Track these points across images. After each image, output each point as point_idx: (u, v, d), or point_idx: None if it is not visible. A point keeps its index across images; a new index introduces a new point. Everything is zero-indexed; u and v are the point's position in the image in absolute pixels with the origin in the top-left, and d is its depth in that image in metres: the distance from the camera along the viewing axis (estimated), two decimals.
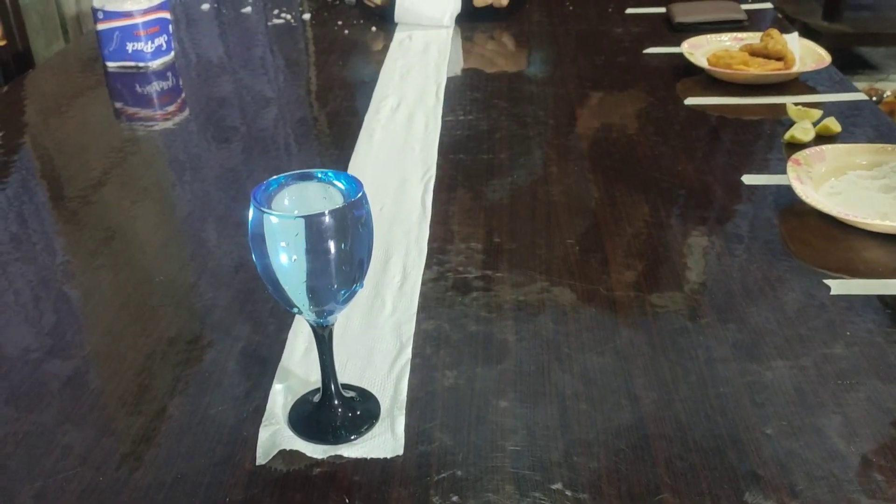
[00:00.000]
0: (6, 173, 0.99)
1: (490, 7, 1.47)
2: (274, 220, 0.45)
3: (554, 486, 0.50)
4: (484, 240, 0.78)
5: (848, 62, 2.49)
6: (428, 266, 0.73)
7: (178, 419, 0.57)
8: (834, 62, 1.18)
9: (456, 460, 0.52)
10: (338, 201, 0.46)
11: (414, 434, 0.55)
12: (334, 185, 0.48)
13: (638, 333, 0.64)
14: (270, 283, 0.48)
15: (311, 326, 0.52)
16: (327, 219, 0.45)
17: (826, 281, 0.70)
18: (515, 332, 0.65)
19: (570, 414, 0.56)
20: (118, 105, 1.24)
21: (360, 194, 0.47)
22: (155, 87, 1.29)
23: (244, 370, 0.61)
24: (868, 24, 2.38)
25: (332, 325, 0.52)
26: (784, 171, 0.85)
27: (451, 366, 0.61)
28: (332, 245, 0.46)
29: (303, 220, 0.45)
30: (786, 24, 1.42)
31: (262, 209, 0.45)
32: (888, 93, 2.08)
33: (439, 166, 0.93)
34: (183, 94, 1.27)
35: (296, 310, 0.50)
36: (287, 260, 0.46)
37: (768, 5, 1.50)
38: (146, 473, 0.52)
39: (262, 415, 0.56)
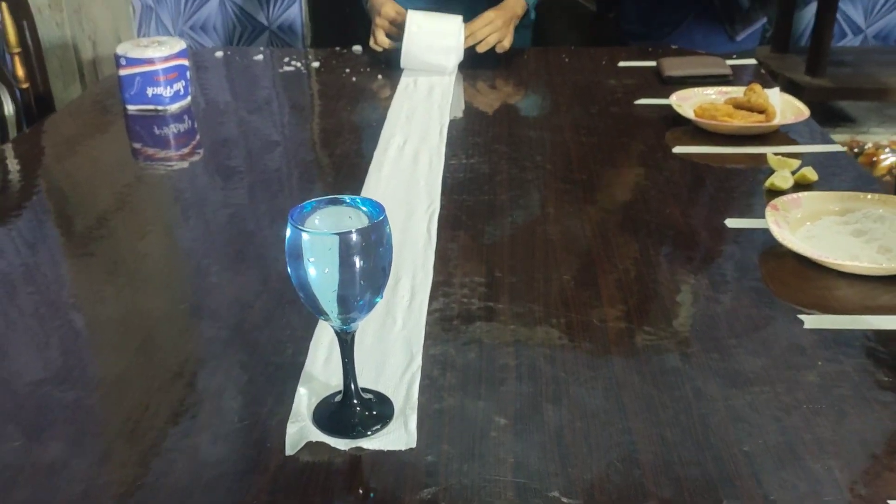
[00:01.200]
0: (22, 207, 1.05)
1: (492, 51, 1.55)
2: (310, 237, 0.52)
3: (551, 494, 0.56)
4: (485, 274, 0.84)
5: (830, 115, 2.59)
6: (434, 297, 0.79)
7: (178, 447, 0.60)
8: (816, 115, 1.25)
9: (462, 469, 0.58)
10: (364, 222, 0.54)
11: (424, 445, 0.60)
12: (360, 209, 0.56)
13: (629, 360, 0.70)
14: (304, 292, 0.55)
15: (336, 332, 0.59)
16: (356, 236, 0.53)
17: (800, 316, 0.76)
18: (515, 357, 0.70)
19: (566, 431, 0.62)
20: (136, 145, 1.31)
21: (382, 216, 0.54)
22: (172, 129, 1.36)
23: (243, 398, 0.65)
24: (849, 79, 2.49)
25: (355, 331, 0.59)
26: (764, 216, 0.92)
27: (457, 387, 0.67)
28: (358, 260, 0.53)
29: (336, 238, 0.52)
30: (767, 79, 1.51)
31: (300, 227, 0.52)
32: (868, 145, 2.17)
33: (444, 206, 0.99)
34: (197, 137, 1.34)
35: (324, 317, 0.57)
36: (319, 272, 0.53)
37: (752, 61, 1.59)
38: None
39: (258, 441, 0.60)
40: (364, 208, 0.55)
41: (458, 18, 1.52)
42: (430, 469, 0.58)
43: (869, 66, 2.60)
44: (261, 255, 0.91)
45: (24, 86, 1.56)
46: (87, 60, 2.06)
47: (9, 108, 1.53)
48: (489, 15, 1.56)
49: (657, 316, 0.77)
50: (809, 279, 0.83)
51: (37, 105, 1.59)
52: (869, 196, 0.95)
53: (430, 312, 0.77)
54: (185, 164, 1.23)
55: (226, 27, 2.83)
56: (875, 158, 2.12)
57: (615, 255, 0.88)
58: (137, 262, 0.92)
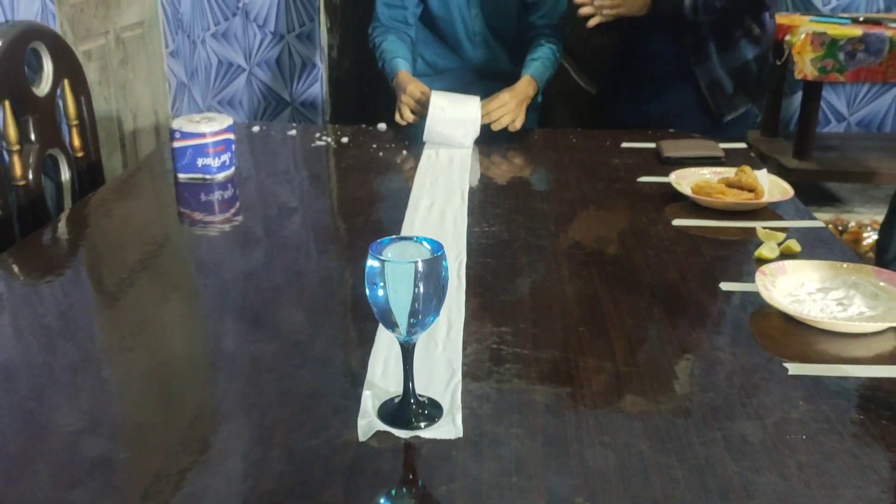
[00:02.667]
0: (66, 263, 1.19)
1: (505, 129, 1.71)
2: (391, 265, 0.67)
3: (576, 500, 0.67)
4: (511, 325, 0.96)
5: (816, 195, 2.76)
6: (469, 343, 0.91)
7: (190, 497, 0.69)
8: (804, 195, 1.39)
9: (502, 482, 0.69)
10: (427, 255, 0.69)
11: (470, 461, 0.71)
12: (423, 245, 0.71)
13: (637, 394, 0.82)
14: (380, 311, 0.70)
15: (400, 343, 0.74)
16: (424, 266, 0.68)
17: (785, 364, 0.88)
18: (542, 393, 0.82)
19: (588, 454, 0.73)
20: (185, 210, 1.45)
21: (441, 251, 0.69)
22: (217, 196, 1.50)
23: (247, 449, 0.74)
24: (834, 162, 2.67)
25: (415, 343, 0.74)
26: (754, 281, 1.04)
27: (494, 416, 0.78)
28: (424, 284, 0.68)
29: (412, 265, 0.67)
30: (756, 161, 1.66)
31: (382, 258, 0.67)
32: (852, 223, 2.32)
33: (471, 267, 1.12)
34: (238, 203, 1.48)
35: (394, 329, 0.71)
36: (394, 293, 0.68)
37: (742, 145, 1.75)
38: None
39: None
40: (426, 245, 0.71)
41: (476, 99, 1.69)
42: (470, 485, 0.69)
43: (852, 151, 2.79)
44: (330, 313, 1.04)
45: (80, 155, 1.71)
46: (129, 132, 2.23)
47: (66, 175, 1.68)
48: (504, 97, 1.72)
49: (660, 362, 0.89)
50: (793, 335, 0.96)
51: (88, 172, 1.73)
52: (845, 265, 1.08)
53: (465, 355, 0.89)
54: (229, 227, 1.36)
55: (251, 102, 3.02)
56: (859, 237, 2.27)
57: (623, 312, 1.01)
58: (214, 309, 1.05)
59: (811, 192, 2.75)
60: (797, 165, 2.57)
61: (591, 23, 1.74)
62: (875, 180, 2.60)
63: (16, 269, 1.15)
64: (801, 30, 2.59)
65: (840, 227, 2.31)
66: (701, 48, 1.81)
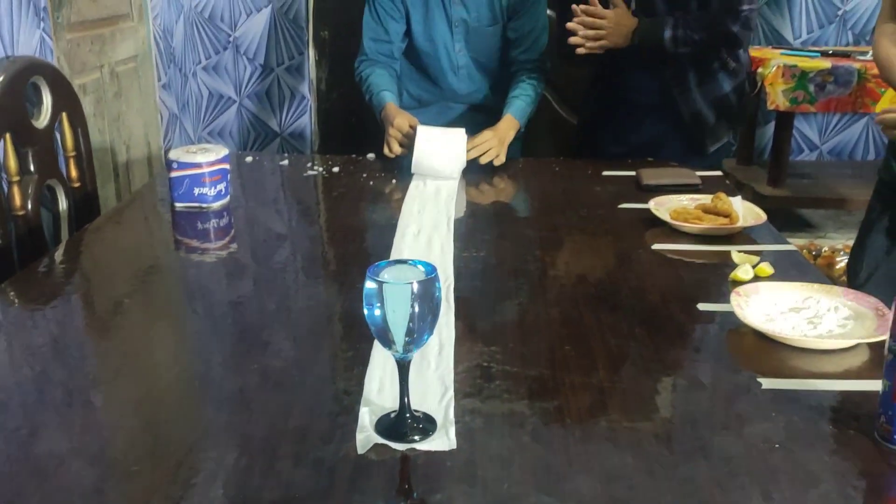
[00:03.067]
0: (60, 292, 1.22)
1: (490, 162, 1.77)
2: (389, 286, 0.72)
3: None
4: (500, 344, 1.01)
5: (790, 221, 2.84)
6: (460, 362, 0.96)
7: None
8: (779, 221, 1.46)
9: (495, 491, 0.73)
10: (422, 276, 0.74)
11: (463, 471, 0.76)
12: (418, 268, 0.75)
13: (620, 408, 0.87)
14: (378, 330, 0.74)
15: (397, 360, 0.78)
16: (419, 286, 0.72)
17: (758, 378, 0.94)
18: (530, 407, 0.87)
19: (575, 463, 0.78)
20: (181, 238, 1.49)
21: (434, 273, 0.74)
22: (213, 224, 1.54)
23: (232, 485, 0.76)
24: (807, 189, 2.76)
25: (410, 359, 0.78)
26: (729, 301, 1.10)
27: (485, 429, 0.83)
28: (419, 304, 0.73)
29: (409, 286, 0.71)
30: (731, 188, 1.73)
31: (380, 280, 0.72)
32: (826, 248, 2.40)
33: (460, 290, 1.17)
34: (233, 231, 1.53)
35: (390, 347, 0.76)
36: (392, 313, 0.73)
37: (718, 173, 1.82)
38: None
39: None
40: (421, 267, 0.76)
41: (462, 132, 1.75)
42: (466, 489, 0.74)
43: (825, 178, 2.89)
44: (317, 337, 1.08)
45: (76, 185, 1.75)
46: (122, 163, 2.27)
47: (63, 205, 1.72)
48: (487, 133, 1.79)
49: (642, 378, 0.94)
50: (767, 351, 1.01)
51: (84, 202, 1.77)
52: (815, 286, 1.15)
53: (457, 373, 0.93)
54: (224, 254, 1.41)
55: (241, 133, 3.08)
56: (832, 261, 2.34)
57: (606, 331, 1.06)
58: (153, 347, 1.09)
59: (786, 219, 2.83)
60: (771, 192, 2.66)
61: (580, 51, 1.81)
62: (847, 206, 2.69)
63: (15, 299, 1.18)
64: (772, 62, 2.70)
65: (814, 252, 2.39)
66: (682, 81, 1.89)
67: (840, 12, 3.19)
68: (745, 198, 1.52)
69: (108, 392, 0.93)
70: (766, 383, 0.93)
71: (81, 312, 1.18)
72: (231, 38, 3.03)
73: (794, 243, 1.42)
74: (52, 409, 0.89)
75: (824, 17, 3.20)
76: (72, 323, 1.14)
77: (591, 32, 1.79)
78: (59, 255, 1.37)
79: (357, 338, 1.01)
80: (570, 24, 1.80)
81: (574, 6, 1.79)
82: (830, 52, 2.93)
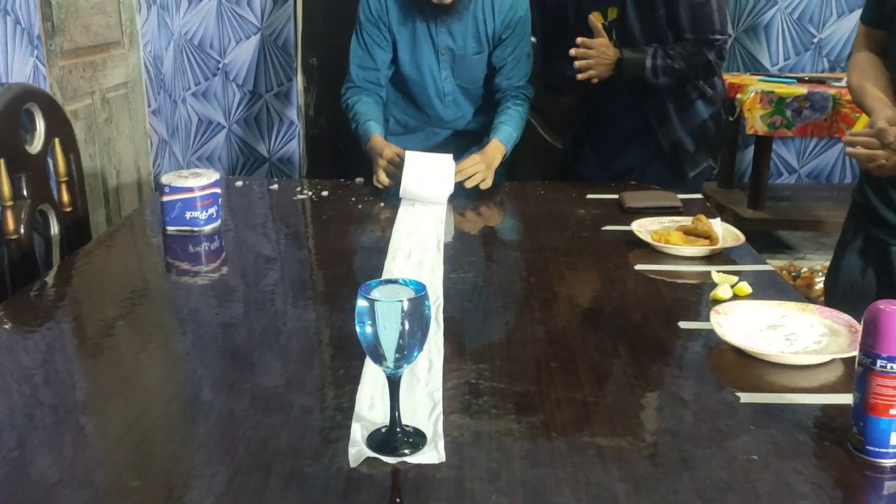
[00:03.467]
0: (52, 315, 1.24)
1: (476, 186, 1.81)
2: (380, 303, 0.75)
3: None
4: (488, 362, 1.04)
5: (770, 243, 2.90)
6: (449, 379, 0.99)
7: None
8: (758, 243, 1.50)
9: (483, 501, 0.76)
10: (412, 295, 0.77)
11: (452, 484, 0.78)
12: (408, 286, 0.78)
13: (603, 422, 0.90)
14: (369, 346, 0.77)
15: (387, 376, 0.81)
16: (409, 304, 0.75)
17: (737, 393, 0.97)
18: (517, 421, 0.90)
19: (560, 474, 0.80)
20: (172, 261, 1.51)
21: (424, 291, 0.77)
22: (204, 247, 1.56)
23: (244, 478, 0.79)
24: (786, 211, 2.82)
25: (401, 375, 0.81)
26: (709, 319, 1.14)
27: (474, 442, 0.86)
28: (409, 321, 0.76)
29: (399, 304, 0.74)
30: (712, 210, 1.78)
31: (371, 298, 0.75)
32: (805, 269, 2.45)
33: (449, 310, 1.20)
34: (224, 254, 1.55)
35: (381, 363, 0.78)
36: (383, 330, 0.76)
37: (699, 196, 1.87)
38: None
39: None
40: (411, 286, 0.78)
41: (449, 157, 1.78)
42: (454, 485, 0.76)
43: (803, 201, 2.95)
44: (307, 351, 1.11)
45: (68, 210, 1.77)
46: (112, 187, 2.29)
47: (55, 229, 1.73)
48: (474, 157, 1.83)
49: (625, 393, 0.97)
50: (746, 367, 1.05)
51: (76, 227, 1.79)
52: (791, 304, 1.19)
53: (446, 390, 0.96)
54: (215, 276, 1.43)
55: (230, 158, 3.11)
56: (811, 282, 2.40)
57: (590, 348, 1.09)
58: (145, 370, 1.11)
59: (766, 240, 2.89)
60: (751, 215, 2.72)
61: (581, 76, 1.87)
62: (824, 228, 2.75)
63: (7, 322, 1.19)
64: (750, 89, 2.77)
65: (793, 273, 2.44)
66: (661, 110, 1.95)
67: (815, 40, 3.29)
68: (725, 220, 1.57)
69: (99, 414, 0.95)
70: (745, 398, 0.96)
71: (73, 335, 1.19)
72: (220, 65, 3.08)
73: (774, 265, 1.46)
74: (43, 432, 0.90)
75: (800, 45, 3.29)
76: (63, 346, 1.15)
77: (582, 63, 1.85)
78: (50, 278, 1.39)
79: (348, 357, 1.04)
80: (574, 51, 1.85)
81: (579, 38, 1.85)
82: (806, 78, 3.01)
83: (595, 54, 1.84)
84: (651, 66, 1.85)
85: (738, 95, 2.81)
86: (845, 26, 3.20)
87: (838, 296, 1.61)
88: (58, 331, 1.19)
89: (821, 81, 2.96)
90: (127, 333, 1.17)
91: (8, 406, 0.96)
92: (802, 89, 2.81)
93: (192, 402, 0.99)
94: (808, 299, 1.28)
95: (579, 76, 1.87)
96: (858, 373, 0.84)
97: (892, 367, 0.80)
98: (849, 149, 1.44)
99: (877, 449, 0.82)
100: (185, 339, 1.18)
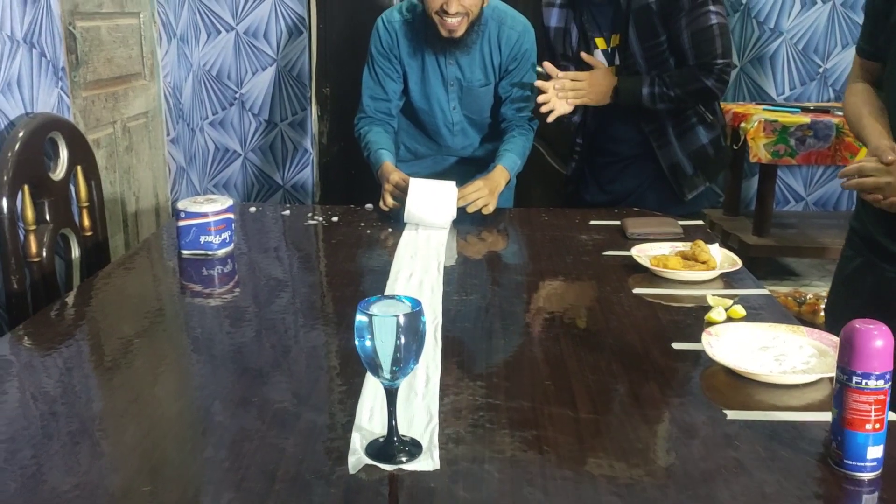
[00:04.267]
0: (71, 334, 1.29)
1: (479, 210, 1.86)
2: (377, 318, 0.80)
3: None
4: (485, 379, 1.08)
5: (776, 270, 2.92)
6: (446, 395, 1.03)
7: None
8: (763, 270, 1.54)
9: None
10: (408, 310, 0.82)
11: (444, 491, 0.82)
12: (404, 302, 0.84)
13: (595, 437, 0.94)
14: (367, 358, 0.82)
15: (385, 388, 0.86)
16: (405, 319, 0.81)
17: (724, 410, 1.01)
18: (510, 435, 0.94)
19: (550, 486, 0.84)
20: (187, 283, 1.57)
21: (419, 307, 0.82)
22: (217, 270, 1.62)
23: (250, 486, 0.83)
24: (791, 238, 2.85)
25: (398, 387, 0.86)
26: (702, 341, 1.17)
27: (469, 454, 0.90)
28: (405, 335, 0.81)
29: (395, 319, 0.79)
30: (712, 235, 1.82)
31: (370, 313, 0.80)
32: (810, 295, 2.48)
33: (449, 329, 1.24)
34: (237, 277, 1.61)
35: (379, 374, 0.83)
36: (380, 343, 0.81)
37: (699, 222, 1.91)
38: None
39: None
40: (407, 302, 0.84)
41: (452, 184, 1.84)
42: (448, 492, 0.80)
43: (808, 228, 2.97)
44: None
45: (88, 234, 1.84)
46: (131, 213, 2.37)
47: (76, 253, 1.80)
48: (478, 183, 1.89)
49: (618, 411, 1.01)
50: (736, 387, 1.08)
51: (96, 250, 1.86)
52: (783, 326, 1.22)
53: (443, 405, 1.00)
54: (228, 298, 1.49)
55: (245, 185, 3.19)
56: (816, 308, 2.42)
57: (585, 368, 1.13)
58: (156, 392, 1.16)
59: (772, 267, 2.91)
60: (756, 242, 2.75)
61: (551, 118, 1.93)
62: (829, 255, 2.77)
63: (28, 341, 1.25)
64: (754, 118, 2.82)
65: (799, 300, 2.46)
66: (662, 134, 2.00)
67: (821, 70, 3.34)
68: (730, 247, 1.61)
69: (114, 430, 0.99)
70: (732, 415, 1.00)
71: (91, 353, 1.24)
72: (237, 95, 3.17)
73: (779, 291, 1.50)
74: (59, 447, 0.93)
75: (806, 75, 3.34)
76: (81, 363, 1.20)
77: (568, 85, 1.91)
78: (70, 299, 1.45)
79: (351, 373, 1.08)
80: (540, 83, 1.92)
81: (551, 68, 1.92)
82: (811, 107, 3.06)
83: (584, 85, 1.91)
84: (648, 94, 1.91)
85: (742, 124, 2.85)
86: (850, 56, 3.24)
87: (838, 321, 1.64)
88: (76, 349, 1.24)
89: (825, 111, 3.00)
90: (142, 351, 1.22)
91: (27, 420, 1.00)
92: (806, 118, 2.85)
93: (203, 414, 1.03)
94: (814, 325, 1.30)
95: (549, 119, 1.94)
96: (836, 389, 0.87)
97: (866, 384, 0.84)
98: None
99: (855, 463, 0.85)
100: (198, 357, 1.23)
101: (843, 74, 3.31)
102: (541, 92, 1.93)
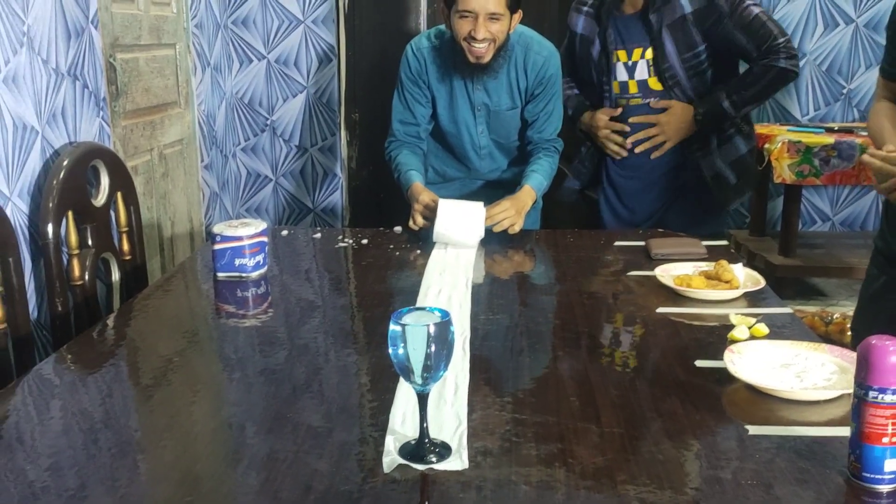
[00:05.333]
0: (112, 355, 1.34)
1: (506, 231, 1.91)
2: (410, 328, 0.86)
3: None
4: (512, 396, 1.12)
5: (803, 290, 2.92)
6: (474, 411, 1.07)
7: None
8: (790, 290, 1.56)
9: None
10: (438, 320, 0.88)
11: (473, 488, 0.86)
12: (435, 313, 0.89)
13: (619, 450, 0.97)
14: (400, 365, 0.87)
15: (417, 392, 0.92)
16: (435, 328, 0.86)
17: (746, 426, 1.03)
18: (537, 448, 0.97)
19: (573, 491, 0.88)
20: (222, 305, 1.62)
21: (448, 317, 0.88)
22: (251, 292, 1.67)
23: (294, 481, 0.88)
24: (817, 258, 2.84)
25: (429, 392, 0.92)
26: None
27: (495, 466, 0.93)
28: (436, 343, 0.87)
29: (425, 328, 0.85)
30: (735, 255, 1.84)
31: (402, 323, 0.86)
32: (837, 315, 2.47)
33: (476, 347, 1.28)
34: (270, 298, 1.66)
35: (411, 380, 0.89)
36: (412, 351, 0.86)
37: (723, 243, 1.94)
38: None
39: None
40: (437, 313, 0.89)
41: (480, 205, 1.88)
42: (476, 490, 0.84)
43: (835, 249, 2.97)
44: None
45: (128, 258, 1.91)
46: (167, 237, 2.44)
47: (116, 276, 1.87)
48: (505, 203, 1.93)
49: (641, 426, 1.04)
50: (758, 403, 1.10)
51: (134, 274, 1.93)
52: (805, 344, 1.24)
53: (471, 419, 1.04)
54: (263, 318, 1.54)
55: (277, 209, 3.27)
56: (844, 327, 2.41)
57: (609, 384, 1.16)
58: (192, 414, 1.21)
59: (799, 287, 2.91)
60: (782, 262, 2.75)
61: (655, 154, 2.08)
62: (856, 275, 2.75)
63: (71, 362, 1.30)
64: (778, 139, 2.83)
65: (826, 319, 2.46)
66: (705, 143, 2.06)
67: (845, 90, 3.34)
68: (756, 267, 1.63)
69: (153, 448, 1.03)
70: (753, 430, 1.02)
71: (130, 374, 1.29)
72: (269, 122, 3.25)
73: (806, 311, 1.51)
74: (100, 465, 0.97)
75: (830, 96, 3.35)
76: (121, 384, 1.24)
77: (649, 135, 2.03)
78: (111, 321, 1.51)
79: (382, 390, 1.13)
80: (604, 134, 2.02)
81: (610, 122, 2.01)
82: (836, 128, 3.06)
83: (661, 127, 2.00)
84: (729, 105, 1.98)
85: (767, 145, 2.87)
86: (874, 77, 3.24)
87: (863, 339, 1.64)
88: (117, 369, 1.29)
89: (848, 131, 3.01)
90: (180, 371, 1.27)
91: (69, 441, 1.03)
92: (830, 139, 2.86)
93: (238, 432, 1.07)
94: (842, 344, 1.32)
95: (653, 155, 2.05)
96: (854, 404, 0.89)
97: (882, 398, 0.86)
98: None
99: (872, 475, 0.87)
100: (233, 376, 1.28)
101: (868, 95, 3.31)
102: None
